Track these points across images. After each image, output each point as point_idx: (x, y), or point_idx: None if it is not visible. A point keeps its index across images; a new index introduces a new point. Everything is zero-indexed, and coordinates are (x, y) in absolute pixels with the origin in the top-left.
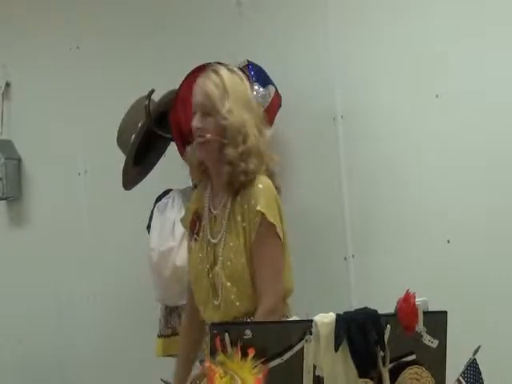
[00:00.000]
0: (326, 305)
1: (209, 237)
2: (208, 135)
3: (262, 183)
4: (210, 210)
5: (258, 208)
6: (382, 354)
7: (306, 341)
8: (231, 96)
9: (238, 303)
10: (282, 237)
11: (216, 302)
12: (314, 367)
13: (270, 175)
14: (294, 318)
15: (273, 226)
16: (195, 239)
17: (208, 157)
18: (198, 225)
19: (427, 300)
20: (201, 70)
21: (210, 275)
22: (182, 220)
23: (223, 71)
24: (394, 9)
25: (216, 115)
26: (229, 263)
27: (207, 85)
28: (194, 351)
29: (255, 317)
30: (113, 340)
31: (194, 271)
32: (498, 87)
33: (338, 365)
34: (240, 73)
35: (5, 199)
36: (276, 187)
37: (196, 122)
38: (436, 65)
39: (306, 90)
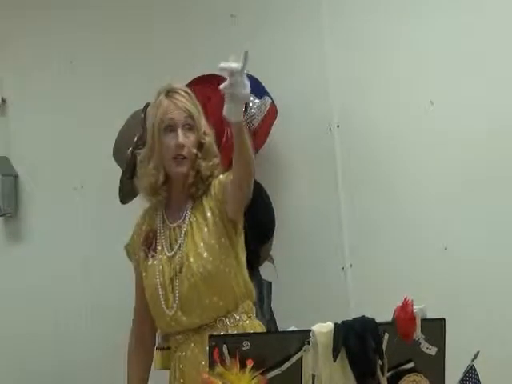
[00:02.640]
0: (323, 314)
1: (170, 248)
2: (194, 151)
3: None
4: (166, 224)
5: (215, 191)
6: (380, 362)
7: (305, 351)
8: (202, 114)
9: (216, 303)
10: None
11: (173, 311)
12: (313, 377)
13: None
14: (292, 328)
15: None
16: (152, 256)
17: (186, 171)
18: (154, 242)
19: (425, 307)
20: (196, 82)
21: (173, 285)
22: (129, 246)
23: (187, 90)
24: (389, 18)
25: (197, 132)
26: (199, 257)
27: (185, 102)
28: (148, 372)
29: None
30: (111, 353)
31: (151, 287)
32: (493, 93)
33: (337, 374)
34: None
35: (2, 216)
36: None
37: (181, 138)
38: (431, 72)
39: (301, 99)
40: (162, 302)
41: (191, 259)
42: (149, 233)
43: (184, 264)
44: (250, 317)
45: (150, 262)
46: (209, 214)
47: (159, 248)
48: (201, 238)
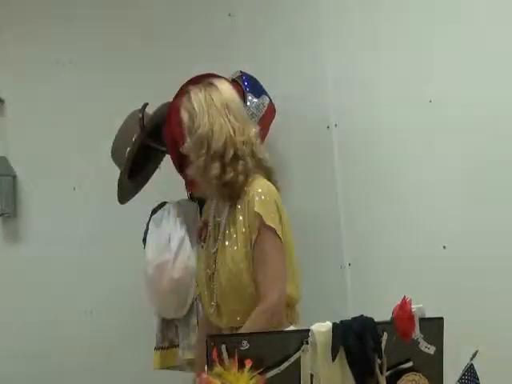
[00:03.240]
0: (322, 314)
1: (211, 243)
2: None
3: (260, 186)
4: (214, 217)
5: (256, 210)
6: (379, 361)
7: (303, 350)
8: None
9: (238, 309)
10: (281, 237)
11: (212, 310)
12: (312, 377)
13: (268, 173)
14: (291, 327)
15: (271, 228)
16: (202, 246)
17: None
18: (205, 232)
19: (424, 307)
20: (194, 81)
21: (211, 281)
22: None
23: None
24: (387, 17)
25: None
26: (227, 269)
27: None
28: None
29: (253, 315)
30: (110, 354)
31: (198, 277)
32: (492, 92)
33: (336, 374)
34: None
35: (0, 216)
36: (274, 185)
37: None
38: (429, 70)
39: (300, 98)
40: (206, 294)
41: (220, 267)
42: (203, 221)
43: (216, 269)
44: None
45: (199, 251)
46: (238, 225)
47: (209, 241)
48: (230, 247)
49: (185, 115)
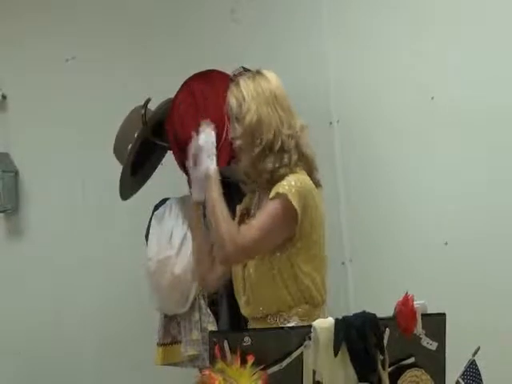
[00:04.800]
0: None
1: None
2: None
3: (295, 179)
4: (255, 209)
5: (279, 190)
6: (381, 357)
7: (305, 346)
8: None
9: (267, 296)
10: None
11: (244, 298)
12: (314, 372)
13: (310, 168)
14: (293, 324)
15: (288, 201)
16: None
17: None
18: (245, 220)
19: (425, 303)
20: (197, 77)
21: (244, 271)
22: None
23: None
24: (390, 13)
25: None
26: (256, 262)
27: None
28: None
29: (233, 232)
30: (112, 350)
31: (234, 268)
32: (494, 90)
33: (338, 369)
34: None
35: (2, 212)
36: (315, 183)
37: None
38: (431, 68)
39: (301, 95)
40: (239, 284)
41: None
42: (243, 210)
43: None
44: (303, 320)
45: None
46: None
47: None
48: None
49: (233, 101)
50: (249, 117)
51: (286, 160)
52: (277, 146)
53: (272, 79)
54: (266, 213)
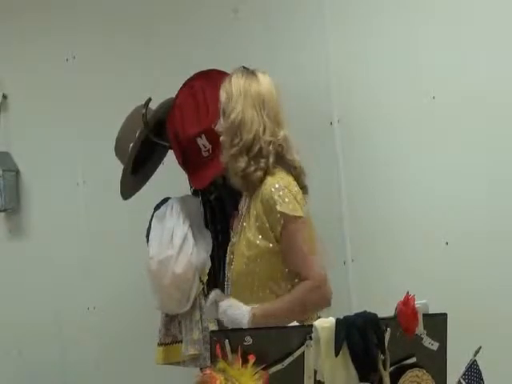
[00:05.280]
0: (325, 309)
1: (235, 233)
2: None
3: (276, 181)
4: (240, 210)
5: (278, 209)
6: (382, 357)
7: (307, 346)
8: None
9: (248, 298)
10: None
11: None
12: (315, 372)
13: (297, 174)
14: (294, 323)
15: (293, 218)
16: (232, 236)
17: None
18: (235, 223)
19: (427, 303)
20: (198, 77)
21: (229, 270)
22: None
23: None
24: (391, 12)
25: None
26: (240, 258)
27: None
28: None
29: (301, 294)
30: (113, 349)
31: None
32: (495, 89)
33: (339, 369)
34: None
35: (3, 211)
36: (302, 187)
37: None
38: (432, 67)
39: (302, 95)
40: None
41: (235, 256)
42: (236, 212)
43: (233, 259)
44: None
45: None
46: (252, 217)
47: (235, 230)
48: (245, 237)
49: (223, 95)
50: (233, 115)
51: (262, 164)
52: (255, 150)
53: (264, 82)
54: (293, 246)
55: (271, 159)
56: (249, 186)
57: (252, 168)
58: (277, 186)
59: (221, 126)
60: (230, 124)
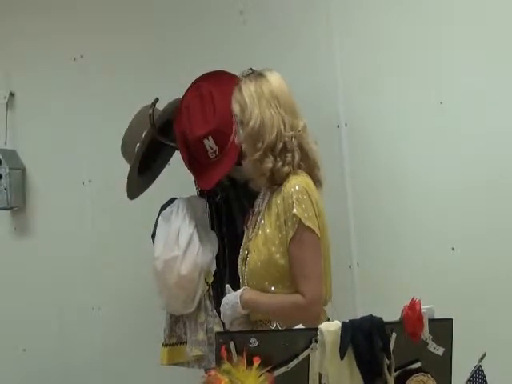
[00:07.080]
0: (331, 313)
1: (251, 230)
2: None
3: (298, 183)
4: (257, 207)
5: (294, 212)
6: (387, 361)
7: (312, 349)
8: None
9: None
10: (318, 234)
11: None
12: (320, 375)
13: (312, 165)
14: (300, 326)
15: (309, 228)
16: (245, 233)
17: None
18: (250, 219)
19: (433, 307)
20: (205, 78)
21: (243, 266)
22: None
23: (244, 84)
24: (397, 16)
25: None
26: (256, 254)
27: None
28: None
29: (289, 303)
30: (117, 349)
31: (239, 261)
32: (502, 94)
33: (344, 373)
34: (264, 76)
35: (9, 209)
36: (316, 181)
37: None
38: (440, 72)
39: (309, 98)
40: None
41: (251, 252)
42: (253, 210)
43: (249, 255)
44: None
45: (244, 237)
46: (272, 217)
47: (250, 228)
48: (263, 233)
49: (236, 107)
50: (252, 122)
51: (289, 158)
52: (279, 147)
53: (273, 80)
54: (308, 261)
55: (297, 155)
56: (275, 181)
57: (279, 164)
58: (297, 187)
59: (241, 135)
60: (250, 131)
